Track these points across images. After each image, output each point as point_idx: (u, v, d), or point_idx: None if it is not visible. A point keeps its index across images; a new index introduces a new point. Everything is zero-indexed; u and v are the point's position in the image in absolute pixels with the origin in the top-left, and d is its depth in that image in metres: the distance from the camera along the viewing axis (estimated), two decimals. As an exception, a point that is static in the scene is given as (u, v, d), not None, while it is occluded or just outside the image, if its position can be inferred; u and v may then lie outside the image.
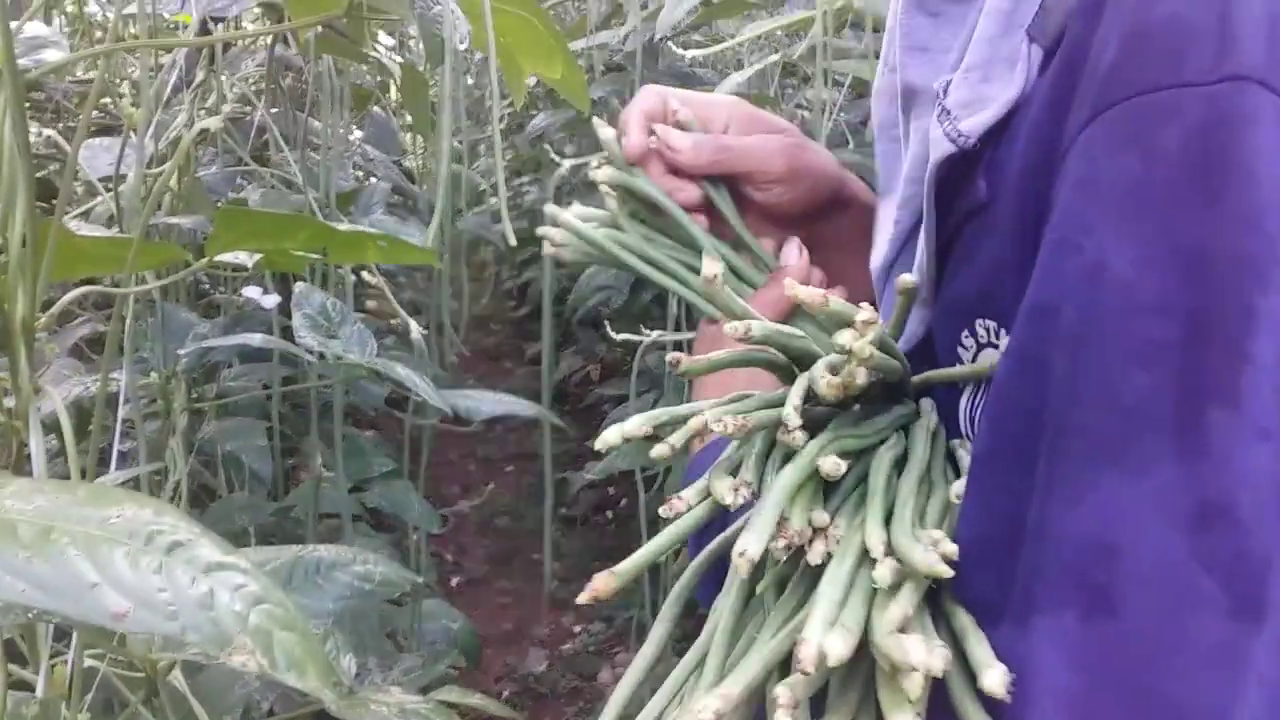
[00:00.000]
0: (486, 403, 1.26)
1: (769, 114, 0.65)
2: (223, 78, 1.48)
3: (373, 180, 1.98)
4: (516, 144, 2.90)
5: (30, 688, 0.61)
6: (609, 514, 2.91)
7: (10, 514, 0.40)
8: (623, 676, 0.45)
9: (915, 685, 0.34)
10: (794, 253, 0.60)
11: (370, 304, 2.46)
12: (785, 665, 0.39)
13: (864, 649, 0.36)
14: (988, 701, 0.35)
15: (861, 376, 0.42)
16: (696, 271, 0.60)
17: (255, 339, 1.28)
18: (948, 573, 0.36)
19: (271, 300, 1.22)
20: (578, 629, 2.49)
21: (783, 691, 0.35)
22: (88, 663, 0.67)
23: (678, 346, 1.65)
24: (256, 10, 1.61)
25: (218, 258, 0.79)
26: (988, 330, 0.46)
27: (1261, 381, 0.34)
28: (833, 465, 0.42)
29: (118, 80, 1.43)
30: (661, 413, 0.44)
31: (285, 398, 1.68)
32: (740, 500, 0.41)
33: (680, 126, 0.60)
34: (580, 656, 2.39)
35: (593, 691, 2.27)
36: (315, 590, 0.79)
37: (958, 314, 0.47)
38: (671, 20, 1.58)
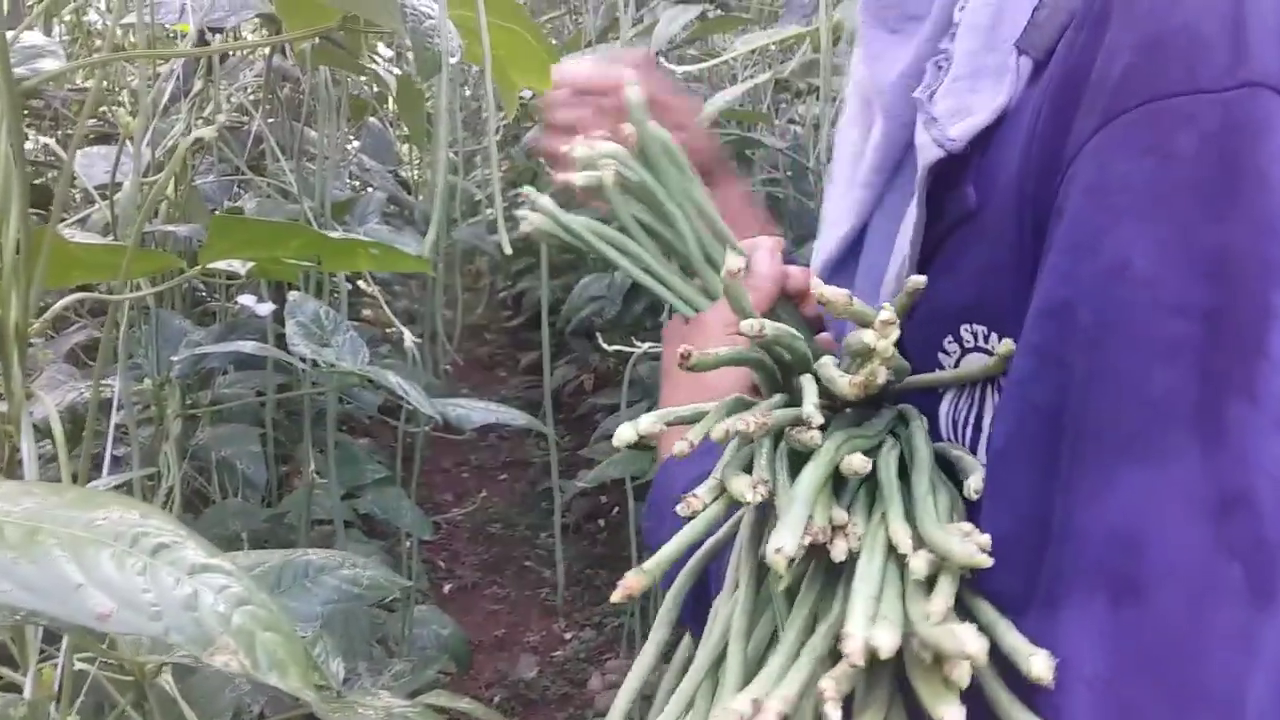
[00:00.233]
0: (477, 411, 1.27)
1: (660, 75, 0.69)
2: (220, 87, 1.49)
3: (369, 190, 1.99)
4: (512, 155, 2.91)
5: (19, 690, 0.61)
6: (601, 522, 2.91)
7: (-2, 515, 0.41)
8: (623, 682, 0.45)
9: (965, 674, 0.35)
10: (765, 259, 0.62)
11: (366, 312, 2.47)
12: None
13: None
14: (1018, 690, 0.36)
15: (882, 375, 0.44)
16: (670, 260, 0.62)
17: (249, 346, 1.29)
18: (987, 562, 0.37)
19: (266, 308, 1.23)
20: (569, 635, 2.50)
21: (829, 685, 0.35)
22: (77, 665, 0.67)
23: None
24: (255, 21, 1.62)
25: (212, 265, 0.80)
26: (975, 335, 0.46)
27: (1277, 376, 0.36)
28: (861, 463, 0.42)
29: (115, 89, 1.44)
30: (668, 413, 0.45)
31: (279, 404, 1.68)
32: (759, 497, 0.42)
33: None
34: (571, 663, 2.40)
35: (582, 698, 2.27)
36: (304, 593, 0.80)
37: (939, 320, 0.47)
38: (667, 35, 1.59)
